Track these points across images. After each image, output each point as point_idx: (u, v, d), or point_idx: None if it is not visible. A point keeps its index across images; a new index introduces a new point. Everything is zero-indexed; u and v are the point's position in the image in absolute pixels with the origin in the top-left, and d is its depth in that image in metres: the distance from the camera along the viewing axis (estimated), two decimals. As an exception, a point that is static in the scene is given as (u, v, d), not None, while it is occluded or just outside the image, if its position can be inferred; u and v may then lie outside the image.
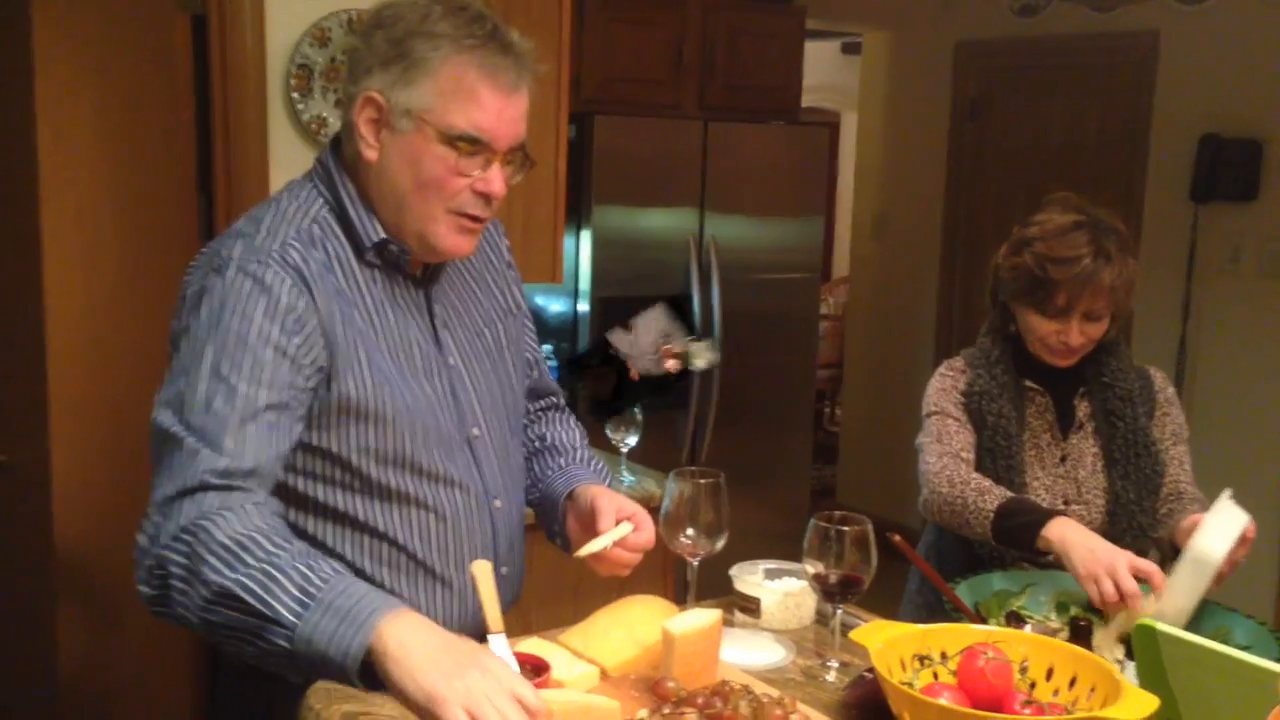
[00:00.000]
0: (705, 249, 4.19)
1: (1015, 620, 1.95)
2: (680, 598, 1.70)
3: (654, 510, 1.69)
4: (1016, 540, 1.99)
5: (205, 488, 1.33)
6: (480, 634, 1.40)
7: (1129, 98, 4.59)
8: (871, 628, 1.44)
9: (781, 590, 1.78)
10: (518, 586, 1.78)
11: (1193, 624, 1.93)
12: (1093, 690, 1.34)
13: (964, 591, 1.97)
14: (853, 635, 1.42)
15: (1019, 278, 2.10)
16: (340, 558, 1.52)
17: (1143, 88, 4.53)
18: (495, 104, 1.48)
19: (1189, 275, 4.38)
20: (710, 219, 4.20)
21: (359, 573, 1.52)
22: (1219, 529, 1.86)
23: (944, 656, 1.42)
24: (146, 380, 2.61)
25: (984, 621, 1.91)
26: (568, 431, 1.89)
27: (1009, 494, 2.02)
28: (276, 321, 1.41)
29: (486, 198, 1.51)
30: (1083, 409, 2.18)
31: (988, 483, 2.04)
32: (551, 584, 1.94)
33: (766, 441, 4.46)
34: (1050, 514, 1.94)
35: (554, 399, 1.93)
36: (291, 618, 1.21)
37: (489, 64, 1.47)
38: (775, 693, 1.42)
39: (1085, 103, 4.78)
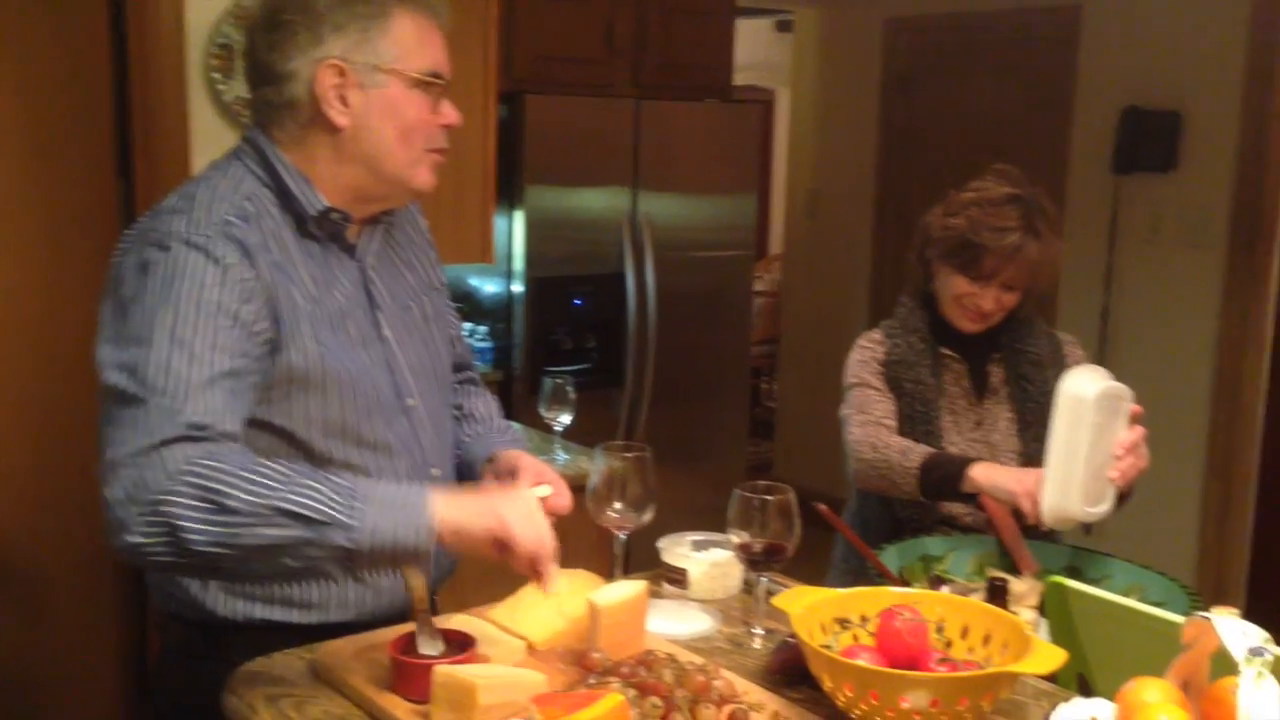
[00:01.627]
0: (639, 228, 4.19)
1: (937, 583, 1.99)
2: (612, 572, 1.72)
3: (584, 488, 1.71)
4: (944, 490, 2.07)
5: (184, 439, 1.33)
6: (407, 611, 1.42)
7: (1052, 71, 4.66)
8: (793, 594, 1.46)
9: (708, 561, 1.80)
10: (455, 556, 1.79)
11: (1107, 580, 1.99)
12: (1005, 646, 1.38)
13: (891, 556, 2.01)
14: (775, 601, 1.45)
15: (950, 238, 2.17)
16: None
17: (1065, 61, 4.60)
18: (439, 40, 1.57)
19: (1111, 245, 4.47)
20: (644, 198, 4.21)
21: None
22: (1084, 376, 1.91)
23: (863, 619, 1.45)
24: (68, 367, 2.59)
25: (907, 585, 1.95)
26: (484, 402, 1.92)
27: (930, 450, 2.09)
28: (229, 289, 1.41)
29: (448, 130, 1.59)
30: (996, 375, 2.25)
31: (909, 443, 2.12)
32: (486, 561, 1.94)
33: (702, 418, 4.49)
34: (969, 460, 2.05)
35: (470, 373, 1.96)
36: (348, 518, 1.31)
37: (422, 6, 1.55)
38: (700, 660, 1.44)
39: (1010, 77, 4.85)
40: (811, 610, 1.43)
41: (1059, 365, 2.25)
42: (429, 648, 1.42)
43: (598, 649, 1.44)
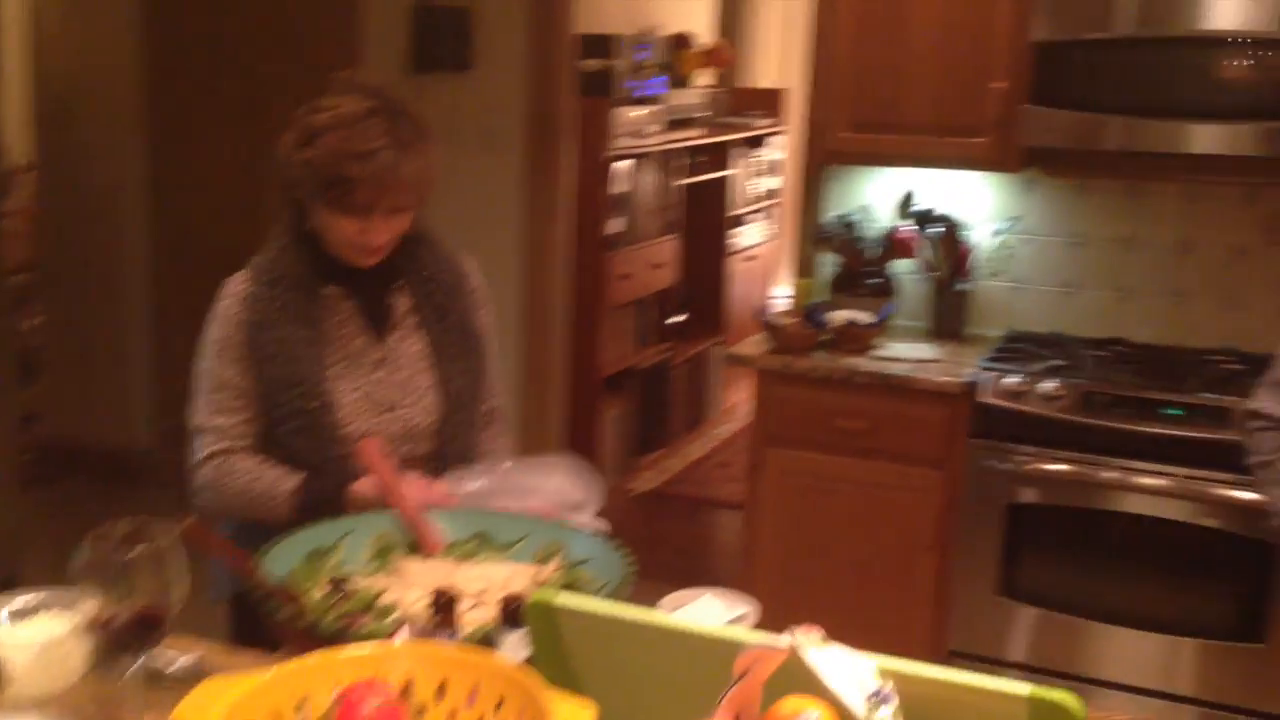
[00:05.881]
0: None
1: (339, 587, 1.62)
2: None
3: None
4: (326, 512, 1.78)
5: None
6: None
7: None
8: (203, 694, 1.00)
9: (38, 641, 1.24)
10: None
11: (524, 541, 1.76)
12: (503, 703, 1.06)
13: (277, 560, 1.60)
14: (177, 716, 0.98)
15: (315, 175, 1.84)
16: None
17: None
18: None
19: (420, 151, 4.27)
20: None
21: None
22: None
23: (304, 705, 1.04)
24: None
25: (297, 601, 1.55)
26: None
27: (299, 476, 1.85)
28: None
29: None
30: (402, 305, 1.99)
31: (271, 474, 1.87)
32: None
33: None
34: (345, 480, 1.84)
35: None
36: None
37: None
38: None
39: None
40: (235, 713, 0.98)
41: (466, 292, 2.08)
42: None
43: None
